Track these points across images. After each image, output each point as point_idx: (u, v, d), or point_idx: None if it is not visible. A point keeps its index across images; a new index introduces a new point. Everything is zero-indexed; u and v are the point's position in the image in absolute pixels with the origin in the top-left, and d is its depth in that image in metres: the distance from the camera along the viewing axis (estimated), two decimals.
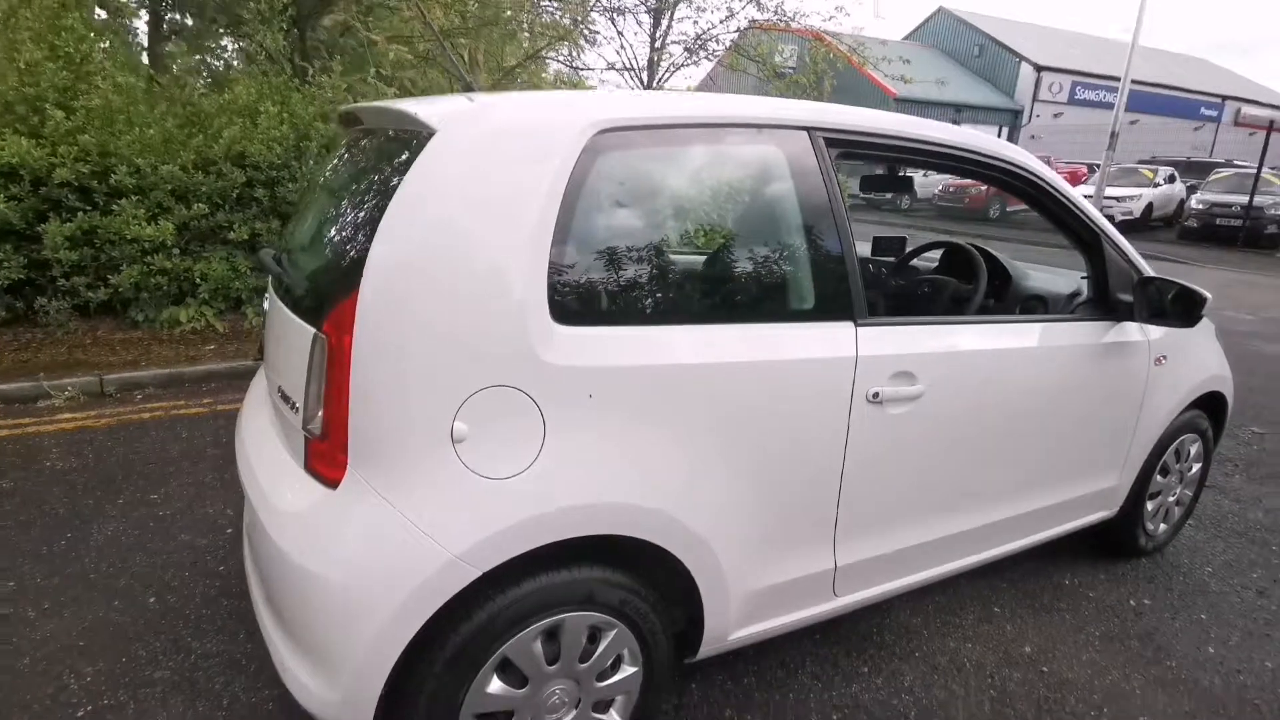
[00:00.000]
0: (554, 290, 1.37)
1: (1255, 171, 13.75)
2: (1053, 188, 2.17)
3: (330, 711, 1.34)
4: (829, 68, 10.62)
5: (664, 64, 10.01)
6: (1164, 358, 2.44)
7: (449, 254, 1.31)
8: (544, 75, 15.12)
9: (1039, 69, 24.13)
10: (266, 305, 1.83)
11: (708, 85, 14.34)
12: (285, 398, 1.53)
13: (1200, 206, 14.24)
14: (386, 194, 1.35)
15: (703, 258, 1.86)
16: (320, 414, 1.36)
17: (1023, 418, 2.10)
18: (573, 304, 1.41)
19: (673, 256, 1.68)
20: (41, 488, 2.95)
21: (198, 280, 4.79)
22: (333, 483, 1.35)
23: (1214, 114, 27.45)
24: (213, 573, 2.44)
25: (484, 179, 1.33)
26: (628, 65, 10.68)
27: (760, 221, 1.78)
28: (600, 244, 1.49)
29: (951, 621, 2.36)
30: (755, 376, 1.58)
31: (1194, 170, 17.22)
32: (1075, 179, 18.86)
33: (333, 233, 1.57)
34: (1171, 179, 16.33)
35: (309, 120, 5.18)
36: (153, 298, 4.77)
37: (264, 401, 1.88)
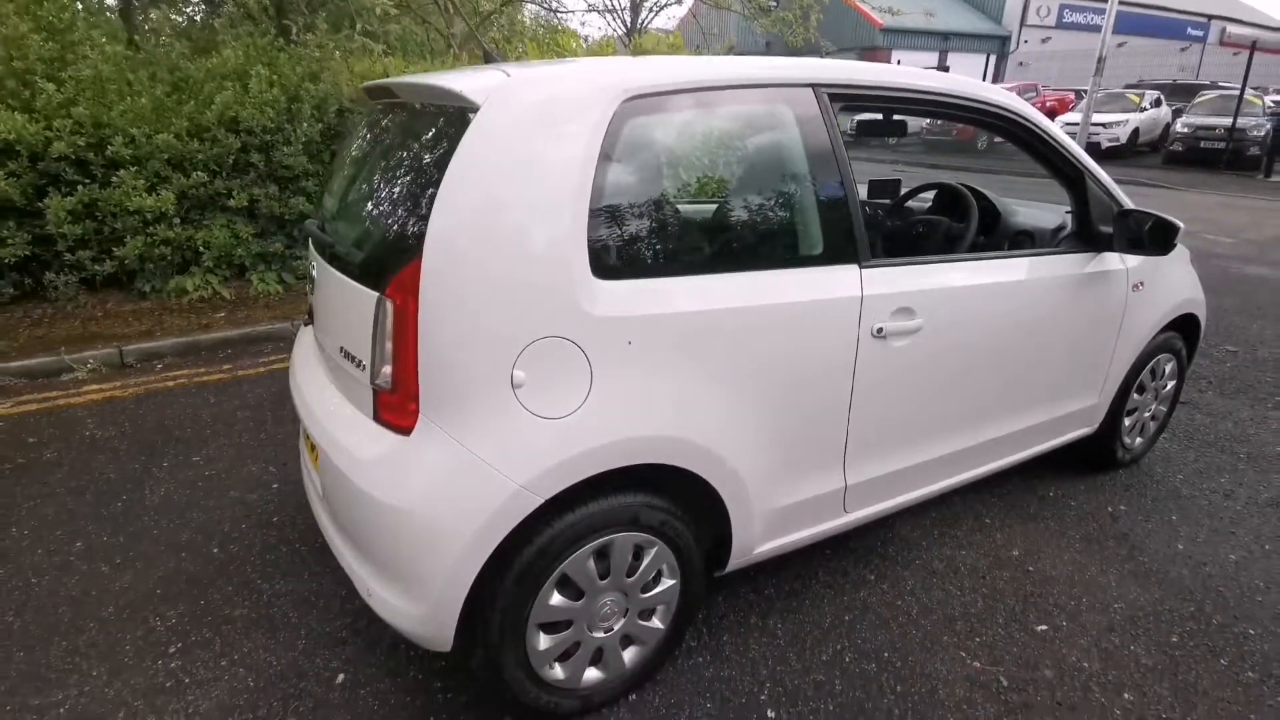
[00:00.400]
0: (594, 248, 1.52)
1: (1238, 93, 13.77)
2: (1038, 128, 2.31)
3: (417, 626, 1.54)
4: (815, 1, 10.44)
5: (647, 3, 9.83)
6: (1141, 284, 2.62)
7: (500, 220, 1.45)
8: (521, 19, 14.73)
9: None
10: (315, 272, 1.96)
11: (689, 23, 14.04)
12: (349, 356, 1.68)
13: (1185, 130, 14.29)
14: (437, 166, 1.48)
15: (729, 210, 2.00)
16: (388, 369, 1.52)
17: (1012, 345, 2.29)
18: (610, 260, 1.56)
19: (697, 211, 1.83)
20: (86, 456, 3.11)
21: (201, 249, 4.86)
22: (404, 430, 1.52)
23: (1200, 34, 27.12)
24: (268, 523, 2.63)
25: (526, 149, 1.47)
26: (609, 6, 10.47)
27: (773, 176, 1.91)
28: (632, 203, 1.63)
29: (947, 533, 2.60)
30: (775, 318, 1.75)
31: (1180, 93, 17.20)
32: (1063, 106, 18.77)
33: (383, 203, 1.70)
34: (1157, 103, 16.32)
35: (298, 82, 5.16)
36: (158, 268, 4.85)
37: (316, 360, 2.03)
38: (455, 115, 1.53)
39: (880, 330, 1.90)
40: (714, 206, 2.00)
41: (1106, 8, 23.68)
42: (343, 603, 2.22)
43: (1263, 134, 13.41)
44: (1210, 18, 27.37)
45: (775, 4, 12.68)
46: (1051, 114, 18.72)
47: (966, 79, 2.27)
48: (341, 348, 1.72)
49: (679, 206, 1.74)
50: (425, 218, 1.44)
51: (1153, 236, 2.33)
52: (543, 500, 1.50)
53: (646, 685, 1.89)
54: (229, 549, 2.49)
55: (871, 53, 20.72)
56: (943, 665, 2.00)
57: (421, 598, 1.51)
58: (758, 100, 1.82)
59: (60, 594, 2.26)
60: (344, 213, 1.95)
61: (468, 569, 1.48)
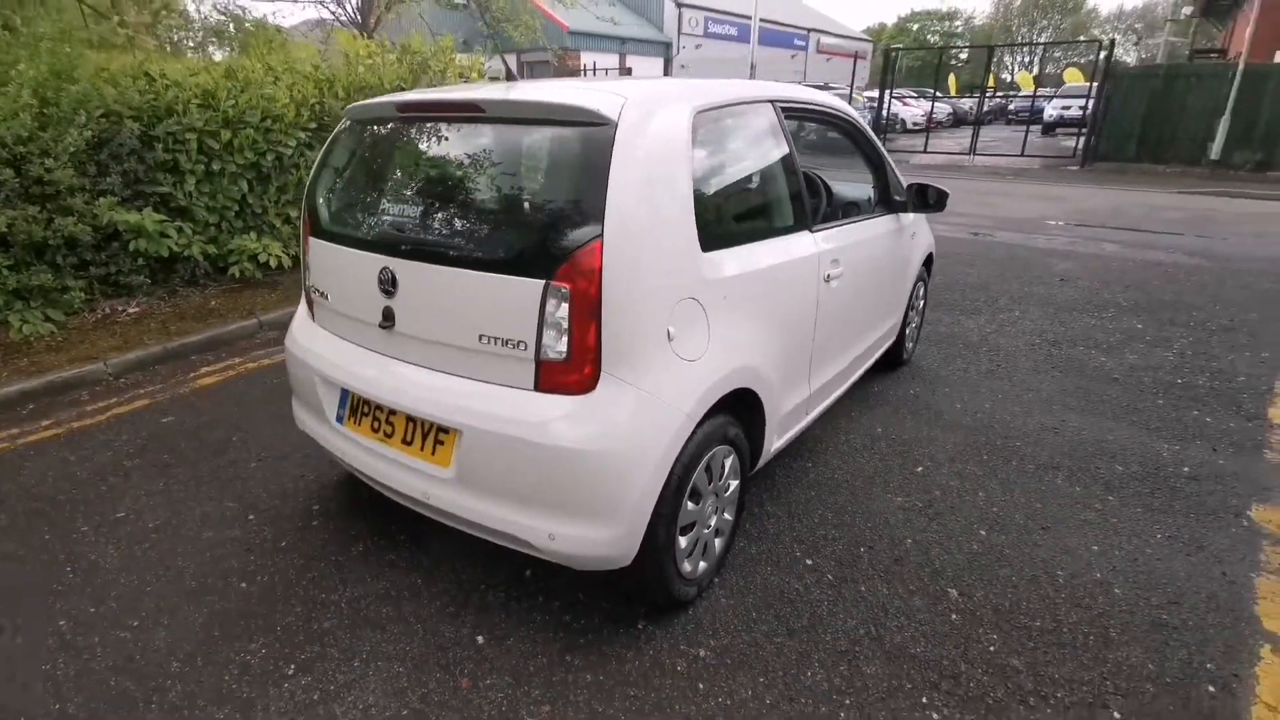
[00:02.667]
0: (699, 227, 1.98)
1: (849, 91, 17.79)
2: (862, 128, 3.26)
3: (607, 549, 1.86)
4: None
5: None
6: (915, 233, 3.79)
7: (650, 211, 1.83)
8: (195, 9, 12.88)
9: (680, 5, 27.11)
10: (399, 276, 2.03)
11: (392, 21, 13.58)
12: (494, 340, 1.87)
13: None
14: (586, 170, 1.80)
15: (751, 194, 2.51)
16: (562, 343, 1.80)
17: (877, 279, 3.24)
18: (706, 236, 2.03)
19: (735, 195, 2.36)
20: None
21: None
22: (581, 390, 1.82)
23: (803, 44, 33.79)
24: (276, 549, 2.52)
25: (656, 153, 1.86)
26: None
27: (763, 166, 2.51)
28: (707, 191, 2.10)
29: (835, 427, 3.51)
30: (781, 272, 2.37)
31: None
32: None
33: (520, 205, 1.92)
34: None
35: (43, 80, 4.25)
36: None
37: (379, 360, 2.12)
38: (588, 128, 1.84)
39: (828, 277, 2.65)
40: (743, 191, 2.51)
41: (740, 21, 27.81)
42: (426, 587, 2.33)
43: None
44: (809, 30, 34.25)
45: (464, 2, 13.03)
46: None
47: (828, 94, 3.12)
48: (481, 335, 1.90)
49: (731, 191, 2.28)
50: (592, 215, 1.75)
51: (936, 200, 3.45)
52: (695, 424, 1.94)
53: (722, 567, 2.42)
54: (259, 579, 2.36)
55: (563, 54, 22.03)
56: (881, 502, 2.86)
57: (617, 522, 1.84)
58: (748, 113, 2.40)
59: (97, 671, 1.99)
60: (434, 217, 2.06)
61: (654, 487, 1.87)
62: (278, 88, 5.31)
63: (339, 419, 2.29)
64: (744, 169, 2.43)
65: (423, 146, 2.20)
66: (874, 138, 3.34)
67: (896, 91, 20.64)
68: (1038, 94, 23.37)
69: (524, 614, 2.22)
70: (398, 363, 2.11)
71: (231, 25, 12.13)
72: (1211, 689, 2.00)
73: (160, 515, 2.73)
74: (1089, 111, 16.21)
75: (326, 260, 2.31)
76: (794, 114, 2.71)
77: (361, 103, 2.39)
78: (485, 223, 1.99)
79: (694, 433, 1.97)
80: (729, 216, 2.28)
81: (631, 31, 25.73)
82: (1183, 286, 6.20)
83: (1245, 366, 4.40)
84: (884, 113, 17.14)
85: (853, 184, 4.01)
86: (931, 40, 48.40)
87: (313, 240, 2.37)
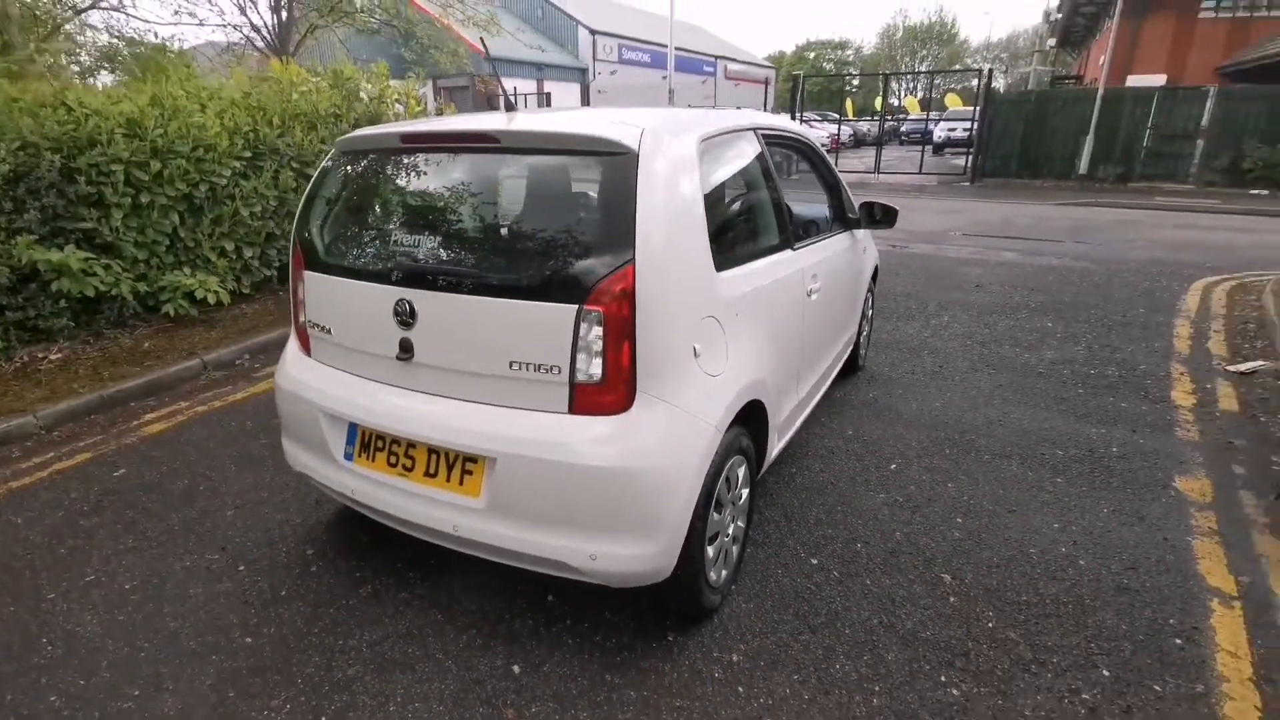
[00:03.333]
0: (712, 249, 2.06)
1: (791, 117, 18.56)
2: (821, 152, 3.46)
3: (648, 564, 1.90)
4: (413, 26, 10.99)
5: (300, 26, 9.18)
6: (865, 248, 4.03)
7: (673, 235, 1.89)
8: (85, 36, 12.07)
9: (594, 32, 27.51)
10: (418, 307, 2.00)
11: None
12: (527, 366, 1.88)
13: None
14: (612, 198, 1.85)
15: (749, 216, 2.59)
16: (597, 366, 1.84)
17: (843, 291, 3.43)
18: (718, 257, 2.11)
19: (740, 216, 2.46)
20: None
21: None
22: (616, 410, 1.86)
23: (712, 71, 34.99)
24: (276, 598, 2.40)
25: (674, 180, 1.93)
26: (251, 24, 9.39)
27: (754, 188, 2.62)
28: (714, 214, 2.18)
29: (813, 431, 3.67)
30: (777, 288, 2.50)
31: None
32: None
33: (549, 233, 1.94)
34: None
35: None
36: None
37: (397, 393, 2.08)
38: (610, 158, 1.89)
39: (810, 291, 2.80)
40: (742, 213, 2.59)
41: (651, 49, 28.45)
42: (449, 623, 2.28)
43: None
44: (717, 57, 35.52)
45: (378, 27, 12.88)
46: None
47: (795, 122, 3.30)
48: (512, 361, 1.90)
49: (733, 215, 2.37)
50: (622, 240, 1.81)
51: (885, 217, 3.69)
52: (721, 437, 2.01)
53: (738, 574, 2.49)
54: (265, 632, 2.24)
55: (481, 79, 21.91)
56: (866, 500, 3.02)
57: (657, 537, 1.88)
58: (739, 140, 2.52)
59: None
60: (455, 248, 2.04)
61: (692, 500, 1.92)
62: (206, 115, 5.06)
63: (347, 456, 2.22)
64: (741, 192, 2.55)
65: (435, 177, 2.19)
66: (829, 160, 3.56)
67: (805, 115, 21.73)
68: (929, 117, 25.08)
69: (555, 639, 2.21)
70: (417, 394, 2.08)
71: (125, 49, 11.42)
72: (1178, 641, 2.24)
73: (136, 575, 2.53)
74: (973, 133, 17.57)
75: (329, 294, 2.25)
76: (770, 140, 2.87)
77: (354, 134, 2.35)
78: (511, 251, 2.00)
79: (720, 445, 2.04)
80: (734, 237, 2.39)
81: (549, 57, 25.90)
82: (1078, 288, 6.83)
83: (1143, 357, 4.90)
84: None
85: (813, 204, 4.23)
86: (827, 67, 51.21)
87: (309, 274, 2.30)
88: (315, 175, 2.41)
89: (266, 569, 2.54)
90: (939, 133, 23.91)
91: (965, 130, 20.32)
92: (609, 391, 1.86)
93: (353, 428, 2.21)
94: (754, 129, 2.64)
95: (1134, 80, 21.06)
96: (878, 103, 23.21)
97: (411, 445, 2.08)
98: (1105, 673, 2.11)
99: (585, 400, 1.88)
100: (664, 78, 31.87)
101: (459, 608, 2.34)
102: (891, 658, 2.15)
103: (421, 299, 2.00)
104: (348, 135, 2.37)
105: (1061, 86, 24.72)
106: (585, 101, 27.43)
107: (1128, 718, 1.96)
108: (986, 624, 2.30)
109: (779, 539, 2.73)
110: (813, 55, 53.59)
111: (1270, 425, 3.81)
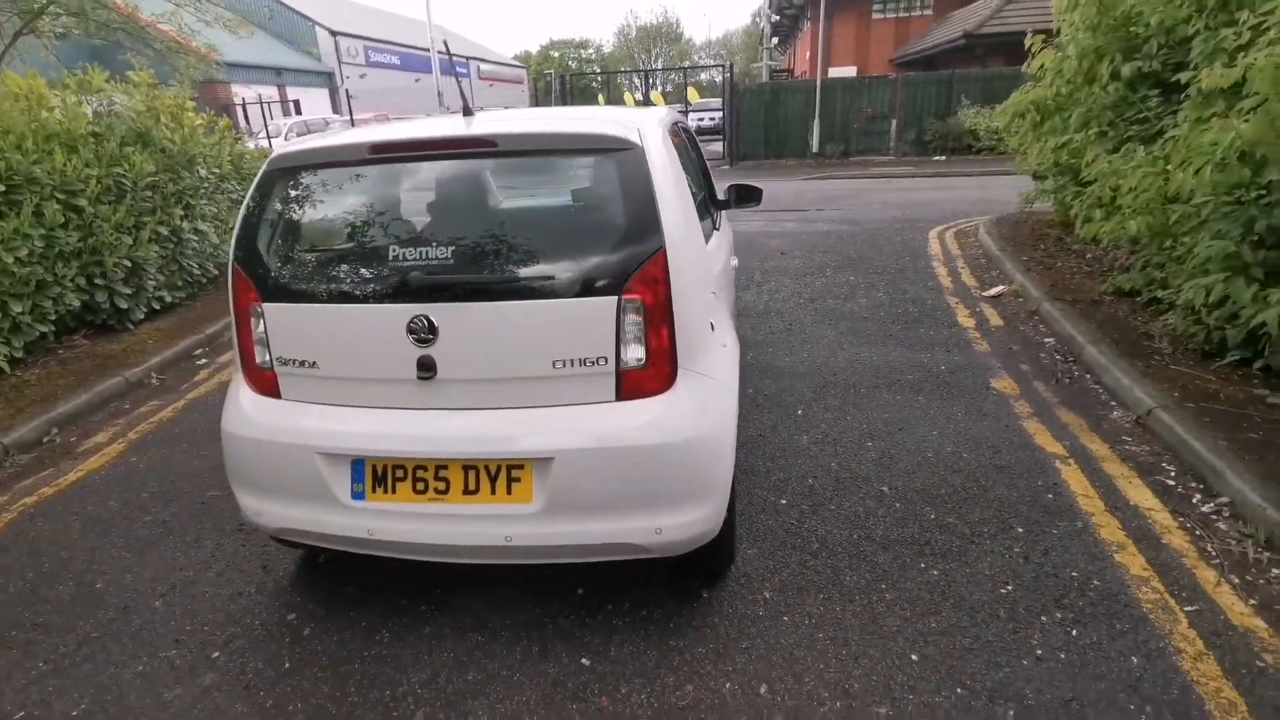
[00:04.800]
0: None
1: None
2: (696, 139, 3.76)
3: (704, 527, 2.03)
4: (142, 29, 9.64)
5: None
6: (725, 225, 4.44)
7: (685, 220, 2.01)
8: None
9: (334, 33, 25.30)
10: (438, 321, 1.89)
11: None
12: (572, 362, 1.89)
13: None
14: (625, 191, 1.92)
15: (699, 199, 2.70)
16: (639, 352, 1.91)
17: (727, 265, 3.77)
18: (702, 233, 2.27)
19: (699, 198, 2.61)
20: None
21: None
22: (661, 390, 1.95)
23: (465, 72, 34.14)
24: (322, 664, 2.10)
25: (671, 170, 2.05)
26: None
27: (693, 175, 2.79)
28: (691, 192, 2.32)
29: None
30: (724, 261, 2.74)
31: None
32: None
33: (573, 229, 1.93)
34: None
35: None
36: None
37: (425, 417, 1.96)
38: (619, 153, 1.95)
39: (734, 265, 3.08)
40: (698, 194, 2.68)
41: (401, 50, 27.18)
42: (493, 642, 2.20)
43: None
44: (469, 58, 34.72)
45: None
46: None
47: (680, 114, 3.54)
48: (555, 360, 1.89)
49: (696, 197, 2.52)
50: (650, 229, 1.89)
51: (750, 196, 4.10)
52: (736, 398, 2.20)
53: None
54: (291, 709, 1.97)
55: (210, 86, 19.14)
56: (795, 442, 3.40)
57: (713, 500, 2.02)
58: (679, 132, 2.68)
59: None
60: (473, 255, 1.93)
61: (732, 461, 2.08)
62: None
63: (357, 495, 2.02)
64: (689, 178, 2.73)
65: (425, 186, 2.06)
66: (699, 150, 3.87)
67: None
68: (685, 108, 27.08)
69: (605, 626, 2.24)
70: (443, 412, 1.97)
71: None
72: (1050, 496, 2.92)
73: (79, 697, 2.04)
74: (722, 121, 19.41)
75: (309, 324, 2.01)
76: (684, 131, 3.07)
77: (300, 149, 2.11)
78: (536, 252, 1.97)
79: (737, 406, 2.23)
80: (700, 217, 2.56)
81: (289, 61, 23.31)
82: (855, 246, 8.04)
83: (926, 294, 6.00)
84: None
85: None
86: (572, 65, 52.56)
87: (271, 307, 2.04)
88: (250, 198, 2.12)
89: (250, 648, 2.21)
90: (691, 122, 25.97)
91: (713, 119, 22.31)
92: (654, 374, 1.95)
93: (358, 464, 2.02)
94: (675, 122, 2.83)
95: (834, 72, 24.71)
96: (627, 98, 24.43)
97: (442, 466, 1.98)
98: (1019, 529, 2.69)
99: (632, 385, 1.95)
100: (416, 80, 30.54)
101: (495, 625, 2.26)
102: (881, 560, 2.53)
103: (442, 312, 1.90)
104: (289, 151, 2.12)
105: (780, 79, 28.22)
106: (335, 108, 25.27)
107: (1046, 556, 2.53)
108: (929, 516, 2.79)
109: (747, 489, 3.00)
110: (557, 54, 54.69)
111: (1028, 331, 4.94)
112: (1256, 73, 3.31)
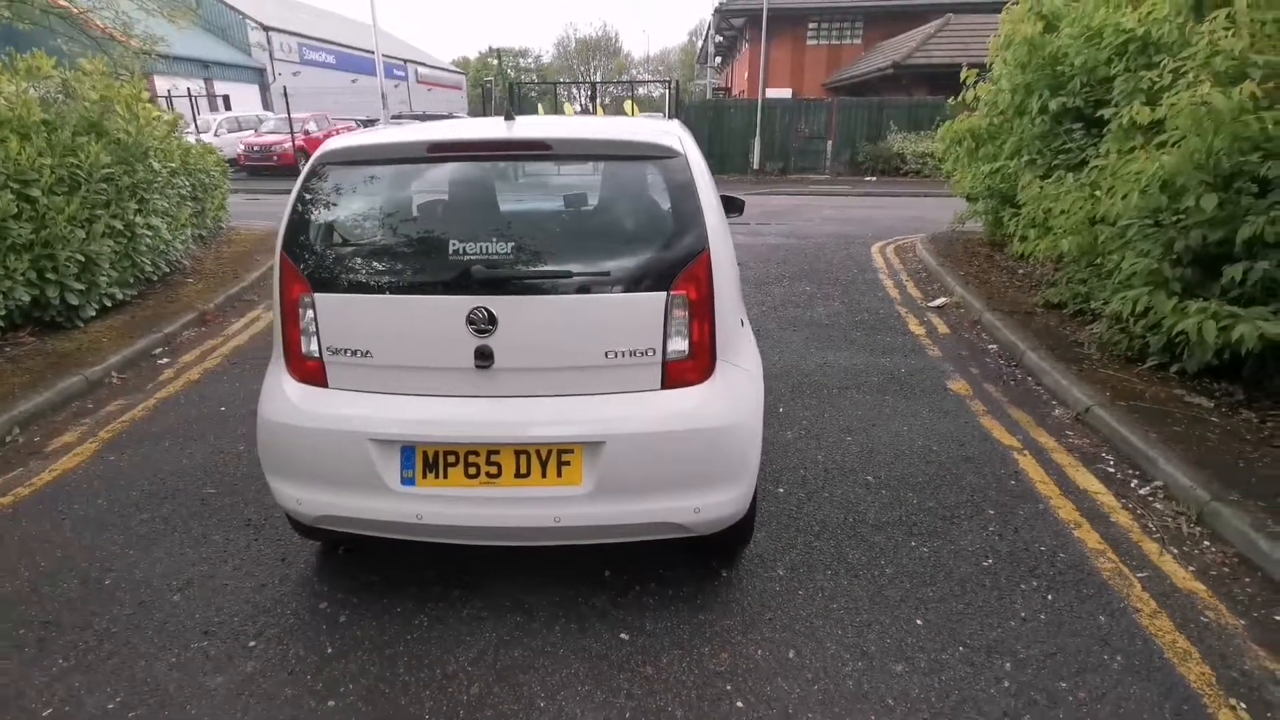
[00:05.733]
0: None
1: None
2: None
3: (737, 507, 2.18)
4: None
5: None
6: None
7: (721, 223, 2.18)
8: None
9: (267, 29, 24.31)
10: (498, 312, 1.98)
11: None
12: (623, 354, 2.02)
13: None
14: (671, 194, 2.07)
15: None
16: (684, 344, 2.07)
17: None
18: None
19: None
20: None
21: None
22: (700, 381, 2.10)
23: (403, 75, 33.47)
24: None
25: (708, 177, 2.21)
26: None
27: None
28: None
29: None
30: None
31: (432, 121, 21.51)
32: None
33: (627, 229, 2.06)
34: None
35: None
36: None
37: (477, 409, 2.05)
38: (665, 160, 2.10)
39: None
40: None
41: (337, 49, 26.45)
42: (532, 622, 2.28)
43: None
44: (406, 61, 34.01)
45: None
46: None
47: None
48: (608, 351, 2.02)
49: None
50: (696, 231, 2.05)
51: (734, 206, 4.31)
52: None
53: None
54: (343, 690, 2.02)
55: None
56: (781, 438, 3.62)
57: (745, 480, 2.18)
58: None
59: None
60: (533, 251, 2.02)
61: (759, 446, 2.25)
62: None
63: (407, 481, 2.08)
64: None
65: (483, 184, 2.14)
66: None
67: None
68: None
69: (636, 604, 2.37)
70: (498, 400, 2.06)
71: None
72: (1013, 482, 3.24)
73: (113, 690, 2.01)
74: None
75: (365, 314, 2.06)
76: None
77: (355, 143, 2.16)
78: (589, 249, 2.09)
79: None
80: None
81: (218, 55, 22.21)
82: (805, 258, 8.45)
83: (878, 304, 6.40)
84: None
85: None
86: (510, 74, 52.28)
87: (324, 297, 2.07)
88: (298, 190, 2.15)
89: (287, 635, 2.21)
90: None
91: None
92: (695, 365, 2.11)
93: (408, 450, 2.08)
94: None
95: (771, 94, 25.65)
96: (567, 108, 24.58)
97: (494, 451, 2.06)
98: (991, 511, 2.99)
99: (675, 375, 2.10)
100: (353, 80, 29.72)
101: (531, 605, 2.35)
102: (877, 540, 2.76)
103: (502, 304, 2.00)
104: (341, 145, 2.17)
105: (719, 98, 29.04)
106: (267, 104, 24.27)
107: (1017, 534, 2.83)
108: (913, 501, 3.05)
109: None
110: (496, 62, 54.30)
111: (972, 339, 5.37)
112: (1178, 113, 3.78)
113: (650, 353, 2.06)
